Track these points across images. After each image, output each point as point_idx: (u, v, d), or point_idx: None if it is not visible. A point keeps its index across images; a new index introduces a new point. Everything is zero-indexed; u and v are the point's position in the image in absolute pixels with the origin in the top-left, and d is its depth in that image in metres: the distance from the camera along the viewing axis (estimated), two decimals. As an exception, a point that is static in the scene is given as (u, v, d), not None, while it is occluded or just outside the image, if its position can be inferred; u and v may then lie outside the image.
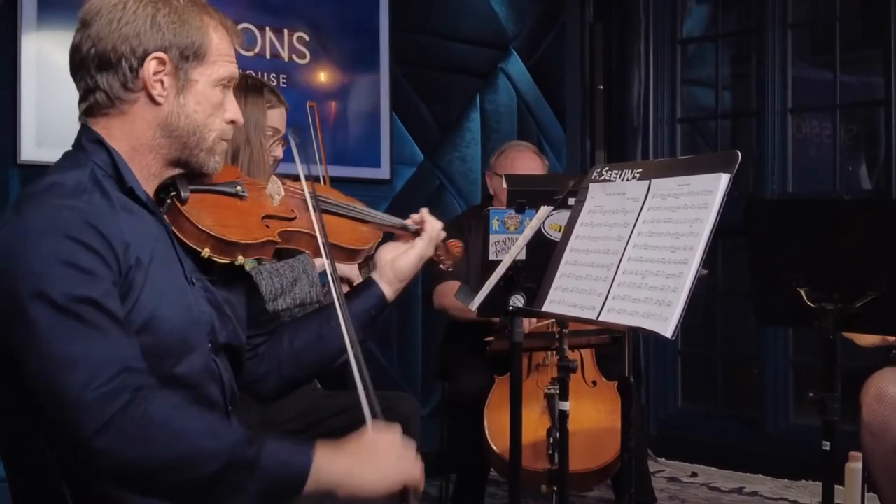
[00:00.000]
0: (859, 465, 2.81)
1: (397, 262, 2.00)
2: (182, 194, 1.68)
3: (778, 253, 2.50)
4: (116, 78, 1.60)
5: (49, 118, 3.45)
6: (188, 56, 1.63)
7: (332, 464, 1.49)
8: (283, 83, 4.15)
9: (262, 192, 1.88)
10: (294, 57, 4.23)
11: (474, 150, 4.99)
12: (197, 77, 1.64)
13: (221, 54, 1.67)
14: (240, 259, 1.71)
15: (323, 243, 1.79)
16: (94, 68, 1.61)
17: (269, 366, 1.90)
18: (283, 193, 1.90)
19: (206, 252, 1.66)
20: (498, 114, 5.11)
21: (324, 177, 2.87)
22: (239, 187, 1.80)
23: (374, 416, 1.61)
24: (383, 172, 4.54)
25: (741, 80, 5.59)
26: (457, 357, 3.73)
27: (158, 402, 1.40)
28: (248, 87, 2.64)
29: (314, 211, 1.82)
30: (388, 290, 2.00)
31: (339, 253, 1.94)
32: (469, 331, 3.59)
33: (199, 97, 1.65)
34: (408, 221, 2.07)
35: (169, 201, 1.68)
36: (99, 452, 1.35)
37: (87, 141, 1.62)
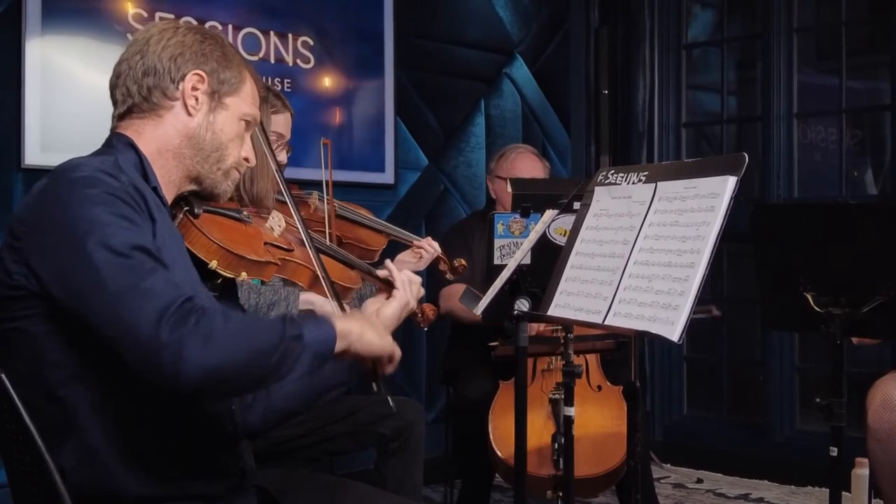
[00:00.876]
0: (866, 471, 2.79)
1: (382, 311, 1.99)
2: (195, 210, 1.78)
3: (784, 258, 2.49)
4: (158, 85, 1.72)
5: (53, 123, 3.45)
6: (224, 83, 1.76)
7: (347, 326, 1.65)
8: (288, 88, 4.15)
9: (263, 223, 2.02)
10: (298, 61, 4.23)
11: (479, 154, 4.99)
12: (228, 103, 1.77)
13: (248, 95, 1.80)
14: (243, 275, 1.78)
15: (323, 277, 1.96)
16: (140, 74, 1.72)
17: (256, 394, 1.84)
18: (283, 226, 2.04)
19: (213, 263, 1.74)
20: (503, 119, 5.11)
21: (329, 215, 2.86)
22: (244, 214, 1.92)
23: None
24: (388, 177, 4.54)
25: (747, 85, 5.58)
26: (461, 362, 3.73)
27: (215, 315, 1.47)
28: None
29: (310, 248, 1.98)
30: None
31: (325, 287, 2.05)
32: (474, 336, 3.58)
33: (227, 121, 1.77)
34: (381, 274, 2.12)
35: (181, 216, 1.76)
36: (189, 375, 1.42)
37: (118, 142, 1.72)
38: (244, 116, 1.79)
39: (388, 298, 2.03)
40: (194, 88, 1.73)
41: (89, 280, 1.46)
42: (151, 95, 1.71)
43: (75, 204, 1.51)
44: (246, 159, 1.83)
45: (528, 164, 3.85)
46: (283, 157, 2.80)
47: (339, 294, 2.05)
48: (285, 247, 1.99)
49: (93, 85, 3.43)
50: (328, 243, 2.15)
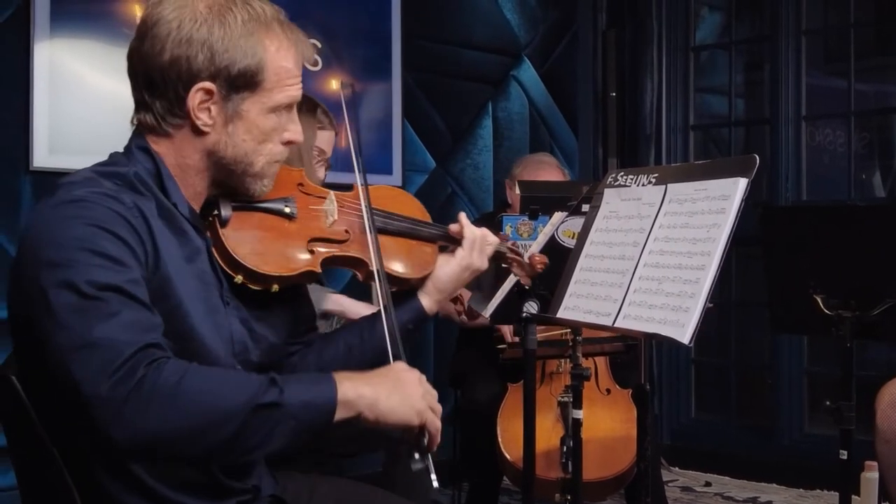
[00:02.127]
0: (875, 474, 2.79)
1: (437, 273, 1.93)
2: (223, 214, 1.64)
3: (793, 260, 2.49)
4: (163, 102, 1.56)
5: (61, 125, 3.46)
6: (239, 86, 1.56)
7: (357, 390, 1.47)
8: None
9: (315, 210, 1.79)
10: (306, 64, 4.22)
11: (486, 157, 4.99)
12: (247, 108, 1.58)
13: (282, 78, 1.59)
14: (274, 288, 1.67)
15: (378, 270, 1.74)
16: (143, 86, 1.57)
17: None
18: (335, 216, 1.80)
19: (238, 279, 1.64)
20: (510, 121, 5.11)
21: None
22: (289, 208, 1.73)
23: (397, 357, 1.62)
24: (395, 180, 4.54)
25: (754, 87, 5.58)
26: (469, 365, 3.73)
27: (168, 370, 1.35)
28: (301, 105, 2.65)
29: (370, 232, 1.76)
30: (428, 301, 1.94)
31: (390, 281, 1.84)
32: (482, 338, 3.58)
33: (250, 126, 1.59)
34: (451, 229, 1.99)
35: (210, 219, 1.65)
36: (121, 440, 1.32)
37: (137, 148, 1.59)
38: (276, 108, 1.60)
39: (450, 253, 1.93)
40: (202, 103, 1.55)
41: (43, 322, 1.36)
42: (158, 113, 1.57)
43: (53, 229, 1.41)
44: (290, 142, 1.66)
45: (550, 177, 3.85)
46: (321, 173, 2.80)
47: (404, 283, 1.87)
48: (338, 238, 1.78)
49: (101, 88, 3.44)
50: (393, 216, 1.90)
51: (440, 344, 4.64)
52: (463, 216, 1.99)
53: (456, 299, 2.94)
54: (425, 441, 1.56)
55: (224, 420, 1.35)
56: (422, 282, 1.93)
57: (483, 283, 3.45)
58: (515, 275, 2.26)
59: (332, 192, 1.83)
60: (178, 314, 1.51)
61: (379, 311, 1.99)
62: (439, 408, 1.60)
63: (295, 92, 1.63)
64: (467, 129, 4.94)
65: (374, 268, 1.75)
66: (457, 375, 3.83)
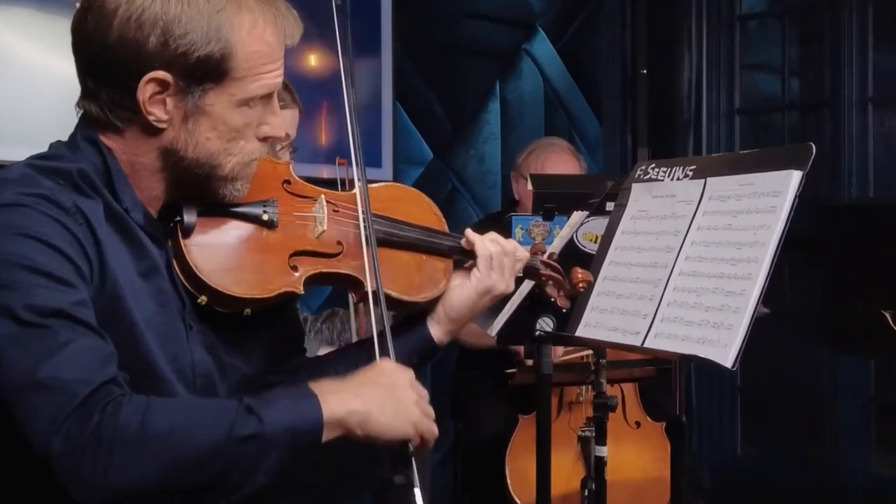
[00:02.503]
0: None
1: (450, 297, 1.90)
2: (186, 220, 1.61)
3: (856, 269, 2.48)
4: (109, 92, 1.54)
5: (1, 112, 3.46)
6: (200, 76, 1.52)
7: (346, 405, 1.47)
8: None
9: (301, 216, 1.75)
10: (288, 42, 4.21)
11: (493, 147, 4.98)
12: (212, 101, 1.55)
13: (255, 65, 1.56)
14: (246, 312, 1.64)
15: (374, 292, 1.68)
16: (86, 70, 1.55)
17: None
18: (325, 226, 1.76)
19: (202, 300, 1.61)
20: (521, 104, 5.10)
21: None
22: (268, 214, 1.69)
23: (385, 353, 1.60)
24: (385, 174, 4.53)
25: (812, 64, 5.56)
26: (472, 392, 3.73)
27: (127, 411, 1.34)
28: None
29: (366, 244, 1.71)
30: (438, 331, 1.91)
31: (387, 303, 1.78)
32: (487, 361, 3.57)
33: (216, 122, 1.56)
34: (462, 243, 1.93)
35: (171, 225, 1.62)
36: (85, 500, 1.32)
37: (83, 139, 1.57)
38: (248, 100, 1.57)
39: (465, 276, 1.89)
40: (154, 95, 1.52)
41: None
42: (104, 104, 1.54)
43: None
44: (267, 137, 1.64)
45: (562, 165, 3.85)
46: (286, 159, 2.78)
47: (408, 307, 1.84)
48: (328, 252, 1.75)
49: (39, 65, 3.42)
50: (403, 220, 1.86)
51: (437, 365, 4.62)
52: (468, 231, 1.94)
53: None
54: (411, 449, 1.56)
55: (200, 463, 1.35)
56: (431, 304, 1.90)
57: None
58: (549, 296, 2.17)
59: (323, 194, 1.79)
60: (128, 341, 1.50)
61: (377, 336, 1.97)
62: (432, 412, 1.60)
63: (273, 79, 1.60)
64: (471, 115, 4.94)
65: (369, 288, 1.71)
66: (457, 404, 3.83)
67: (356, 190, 1.78)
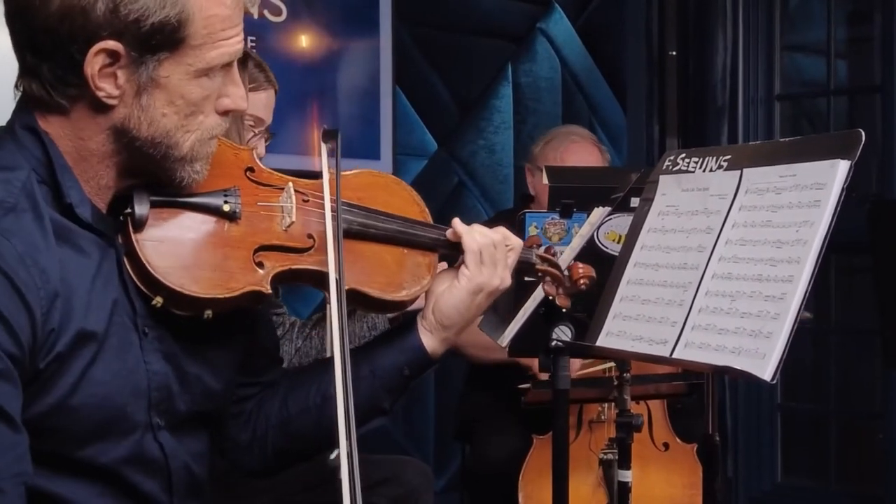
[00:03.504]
0: None
1: (439, 302, 1.88)
2: (137, 212, 1.59)
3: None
4: (52, 67, 1.51)
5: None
6: (154, 45, 1.51)
7: None
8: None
9: (267, 207, 1.74)
10: (266, 13, 4.24)
11: (504, 137, 4.99)
12: (168, 72, 1.54)
13: (213, 31, 1.55)
14: (207, 314, 1.63)
15: (339, 297, 1.65)
16: (26, 46, 1.53)
17: (254, 431, 1.88)
18: (294, 217, 1.75)
19: (157, 301, 1.60)
20: (536, 89, 5.11)
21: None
22: (229, 204, 1.67)
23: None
24: (384, 166, 4.54)
25: (861, 45, 5.57)
26: (482, 410, 3.73)
27: None
28: None
29: (332, 242, 1.69)
30: (430, 340, 1.89)
31: (366, 303, 1.80)
32: (498, 376, 3.57)
33: (172, 95, 1.55)
34: (448, 235, 1.90)
35: (122, 219, 1.61)
36: None
37: (21, 127, 1.56)
38: (207, 70, 1.56)
39: (455, 276, 1.86)
40: (104, 67, 1.50)
41: None
42: (46, 81, 1.52)
43: None
44: (229, 111, 1.63)
45: (583, 157, 3.84)
46: (261, 148, 2.77)
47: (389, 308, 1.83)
48: (297, 246, 1.73)
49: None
50: (382, 210, 1.84)
51: (444, 382, 4.63)
52: (456, 221, 1.91)
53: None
54: None
55: None
56: (410, 304, 1.88)
57: (498, 300, 3.45)
58: (547, 294, 2.18)
59: (291, 182, 1.78)
60: (71, 371, 1.50)
61: (361, 347, 1.96)
62: None
63: (234, 46, 1.59)
64: (480, 100, 4.94)
65: (351, 286, 1.69)
66: (465, 425, 3.83)
67: (324, 174, 1.76)
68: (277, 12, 4.27)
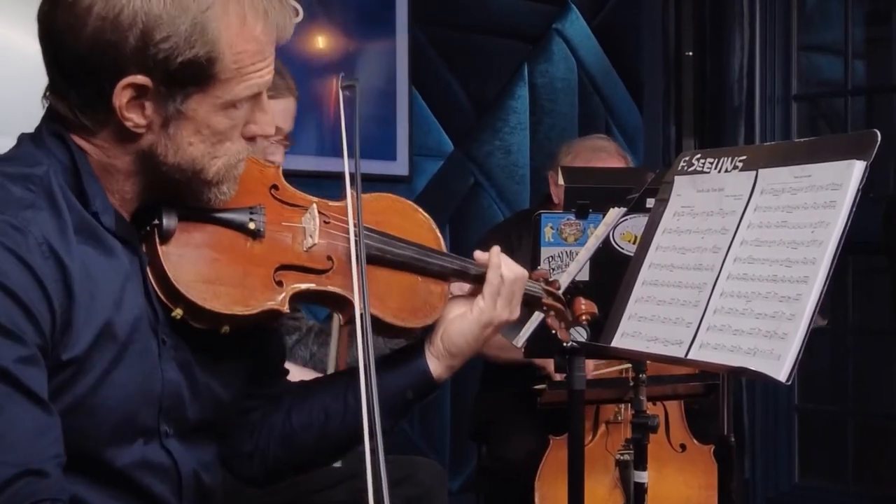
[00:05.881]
0: None
1: (448, 330, 1.89)
2: (165, 224, 1.60)
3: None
4: (80, 93, 1.53)
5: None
6: (182, 81, 1.52)
7: None
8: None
9: (290, 227, 1.75)
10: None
11: (520, 137, 4.99)
12: (194, 106, 1.55)
13: (244, 66, 1.55)
14: (224, 329, 1.64)
15: (362, 315, 1.65)
16: (54, 66, 1.55)
17: (257, 442, 1.89)
18: (316, 239, 1.75)
19: (177, 313, 1.61)
20: (552, 90, 5.11)
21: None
22: (254, 222, 1.69)
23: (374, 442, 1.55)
24: (400, 167, 4.54)
25: (879, 45, 5.55)
26: (498, 411, 3.74)
27: None
28: None
29: (357, 262, 1.69)
30: (436, 366, 1.89)
31: (376, 328, 1.77)
32: (513, 377, 3.57)
33: (199, 126, 1.57)
34: (477, 259, 1.91)
35: (148, 229, 1.62)
36: None
37: (49, 134, 1.57)
38: (236, 103, 1.57)
39: (469, 304, 1.88)
40: (133, 100, 1.52)
41: None
42: (74, 105, 1.54)
43: None
44: (255, 136, 1.65)
45: (608, 165, 3.81)
46: (278, 156, 2.75)
47: (400, 334, 1.84)
48: (317, 267, 1.74)
49: (10, 43, 3.46)
50: (397, 238, 1.86)
51: (459, 383, 4.63)
52: (496, 252, 1.91)
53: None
54: None
55: None
56: (421, 332, 1.89)
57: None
58: (550, 327, 2.21)
59: (314, 203, 1.79)
60: (92, 368, 1.51)
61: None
62: None
63: (263, 78, 1.59)
64: (496, 101, 4.94)
65: (357, 311, 1.69)
66: (482, 426, 3.84)
67: (347, 199, 1.76)
68: (293, 13, 4.27)
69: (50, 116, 1.60)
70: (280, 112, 2.66)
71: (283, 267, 1.70)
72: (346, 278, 1.74)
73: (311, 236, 1.75)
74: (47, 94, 1.59)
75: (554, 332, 2.22)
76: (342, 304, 1.76)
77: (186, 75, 1.51)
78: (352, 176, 1.76)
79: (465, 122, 4.84)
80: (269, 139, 2.58)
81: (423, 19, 4.65)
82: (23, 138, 1.61)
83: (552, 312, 2.11)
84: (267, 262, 1.69)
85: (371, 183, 4.43)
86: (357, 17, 4.46)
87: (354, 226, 1.73)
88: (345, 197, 1.78)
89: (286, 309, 1.69)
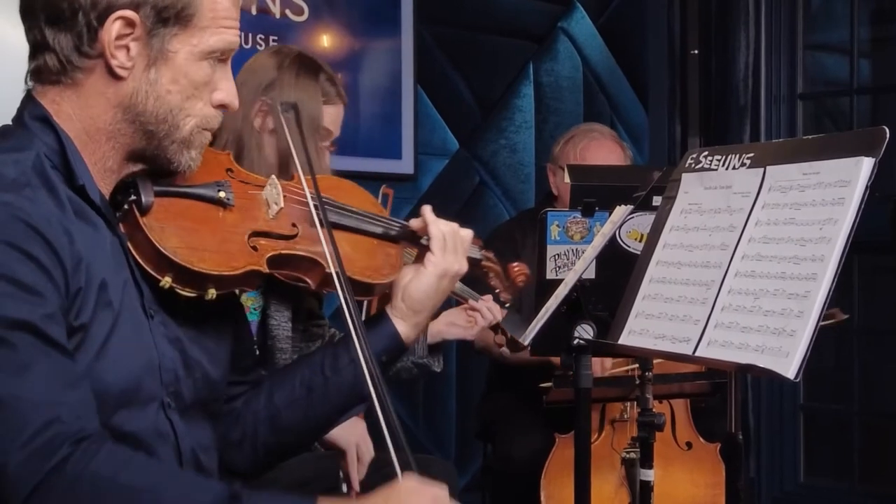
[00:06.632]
0: None
1: (408, 288, 1.98)
2: (143, 199, 1.69)
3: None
4: (69, 36, 1.60)
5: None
6: (167, 18, 1.62)
7: None
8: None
9: (255, 197, 1.88)
10: (288, 13, 4.25)
11: (526, 136, 4.99)
12: (176, 47, 1.64)
13: (217, 17, 1.67)
14: (211, 293, 1.72)
15: (337, 273, 1.79)
16: (43, 18, 1.61)
17: (244, 428, 1.93)
18: (281, 203, 1.89)
19: (166, 281, 1.68)
20: (558, 89, 5.11)
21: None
22: (223, 193, 1.80)
23: (405, 468, 1.61)
24: (406, 166, 4.54)
25: (885, 44, 5.55)
26: (504, 410, 3.73)
27: (104, 456, 1.39)
28: (300, 67, 2.63)
29: (322, 227, 1.83)
30: (403, 326, 1.98)
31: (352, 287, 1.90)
32: (519, 375, 3.57)
33: (177, 73, 1.65)
34: (412, 225, 2.05)
35: (127, 207, 1.69)
36: None
37: (31, 118, 1.63)
38: (210, 54, 1.68)
39: (420, 264, 1.97)
40: (120, 37, 1.60)
41: None
42: (63, 52, 1.60)
43: None
44: (222, 105, 1.73)
45: (605, 154, 3.83)
46: (327, 159, 2.77)
47: (367, 291, 1.96)
48: (284, 233, 1.88)
49: None
50: (349, 208, 2.01)
51: (465, 382, 4.63)
52: (427, 209, 2.04)
53: (497, 327, 2.95)
54: None
55: None
56: (387, 288, 1.99)
57: (524, 299, 3.45)
58: (493, 287, 2.43)
59: (273, 177, 1.92)
60: (95, 334, 1.56)
61: (341, 338, 2.04)
62: None
63: (232, 37, 1.70)
64: (501, 100, 4.94)
65: (330, 269, 1.81)
66: (487, 424, 3.83)
67: (300, 174, 1.91)
68: (299, 12, 4.28)
69: (28, 99, 1.66)
70: (332, 117, 2.70)
71: (256, 234, 1.82)
72: (312, 243, 1.87)
73: (275, 203, 1.88)
74: (32, 60, 1.65)
75: (497, 291, 2.46)
76: (311, 266, 1.88)
77: (170, 13, 1.61)
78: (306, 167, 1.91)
79: (471, 121, 4.84)
80: (325, 140, 2.64)
81: (428, 18, 4.65)
82: (5, 129, 1.66)
83: (491, 273, 2.36)
84: (240, 229, 1.81)
85: (375, 182, 4.47)
86: (362, 15, 4.46)
87: (311, 193, 1.88)
88: (296, 176, 1.93)
89: (266, 269, 1.80)
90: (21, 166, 1.55)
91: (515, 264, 2.33)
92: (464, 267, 2.02)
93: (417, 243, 2.04)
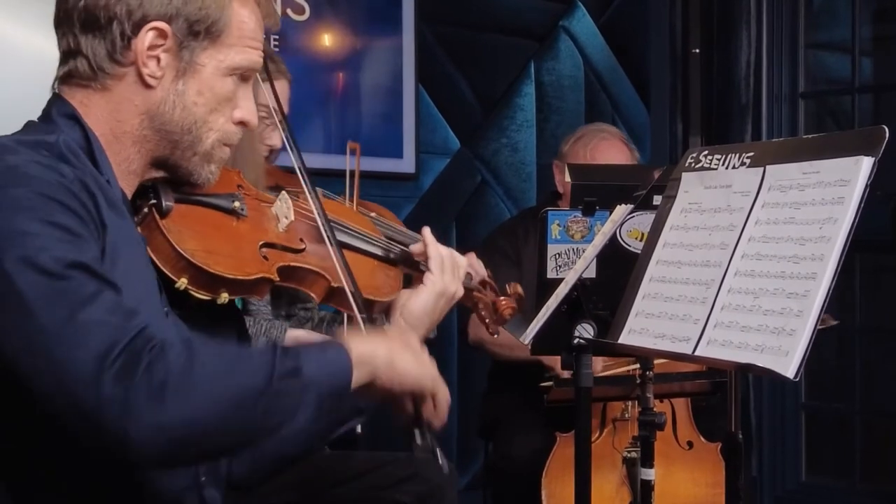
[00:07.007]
0: None
1: (407, 305, 2.06)
2: (164, 203, 1.75)
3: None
4: (103, 44, 1.65)
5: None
6: (198, 32, 1.68)
7: (368, 345, 1.62)
8: (275, 47, 4.17)
9: (265, 211, 1.96)
10: (289, 12, 4.25)
11: (527, 135, 4.99)
12: (204, 61, 1.70)
13: (244, 36, 1.74)
14: (223, 297, 1.77)
15: (352, 293, 1.89)
16: (79, 26, 1.66)
17: None
18: (291, 217, 1.96)
19: (182, 283, 1.73)
20: (559, 87, 5.11)
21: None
22: (238, 203, 1.87)
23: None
24: (407, 165, 4.54)
25: (886, 43, 5.54)
26: (505, 409, 3.73)
27: (174, 353, 1.43)
28: None
29: (331, 245, 1.92)
30: None
31: (349, 302, 1.98)
32: (520, 374, 3.57)
33: (203, 86, 1.71)
34: (412, 250, 2.14)
35: (146, 210, 1.75)
36: (141, 440, 1.40)
37: (59, 115, 1.67)
38: (235, 70, 1.74)
39: (419, 284, 2.05)
40: (152, 47, 1.66)
41: (10, 310, 1.43)
42: (95, 58, 1.65)
43: (1, 206, 1.48)
44: (242, 122, 1.79)
45: (614, 154, 3.83)
46: (275, 139, 2.80)
47: (368, 309, 2.02)
48: (293, 247, 1.95)
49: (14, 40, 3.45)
50: (355, 230, 2.12)
51: (466, 381, 4.63)
52: (427, 232, 2.12)
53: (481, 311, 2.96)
54: (425, 418, 1.73)
55: (249, 399, 1.47)
56: (385, 307, 2.07)
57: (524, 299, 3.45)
58: (481, 320, 2.45)
59: (284, 193, 1.99)
60: None
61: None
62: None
63: (256, 57, 1.76)
64: (502, 99, 4.94)
65: (338, 284, 1.90)
66: (488, 423, 3.84)
67: (307, 193, 1.99)
68: (300, 11, 4.28)
69: (57, 99, 1.70)
70: (279, 91, 2.70)
71: (266, 245, 1.89)
72: (319, 258, 1.95)
73: (285, 217, 1.96)
74: (63, 64, 1.70)
75: (486, 322, 2.46)
76: (317, 280, 1.96)
77: (203, 27, 1.68)
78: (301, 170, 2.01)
79: (472, 120, 4.84)
80: (265, 122, 2.66)
81: (429, 17, 4.65)
82: (30, 123, 1.71)
83: (481, 305, 2.39)
84: (252, 238, 1.88)
85: (378, 180, 4.48)
86: (364, 14, 4.46)
87: (320, 212, 1.97)
88: (302, 194, 2.02)
89: (277, 278, 1.86)
90: (41, 147, 1.58)
91: (503, 298, 2.38)
92: (460, 290, 2.12)
93: (416, 268, 2.13)
